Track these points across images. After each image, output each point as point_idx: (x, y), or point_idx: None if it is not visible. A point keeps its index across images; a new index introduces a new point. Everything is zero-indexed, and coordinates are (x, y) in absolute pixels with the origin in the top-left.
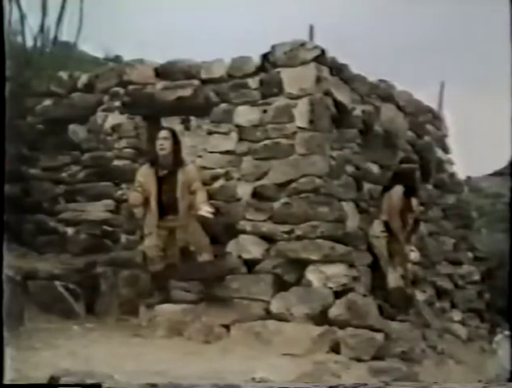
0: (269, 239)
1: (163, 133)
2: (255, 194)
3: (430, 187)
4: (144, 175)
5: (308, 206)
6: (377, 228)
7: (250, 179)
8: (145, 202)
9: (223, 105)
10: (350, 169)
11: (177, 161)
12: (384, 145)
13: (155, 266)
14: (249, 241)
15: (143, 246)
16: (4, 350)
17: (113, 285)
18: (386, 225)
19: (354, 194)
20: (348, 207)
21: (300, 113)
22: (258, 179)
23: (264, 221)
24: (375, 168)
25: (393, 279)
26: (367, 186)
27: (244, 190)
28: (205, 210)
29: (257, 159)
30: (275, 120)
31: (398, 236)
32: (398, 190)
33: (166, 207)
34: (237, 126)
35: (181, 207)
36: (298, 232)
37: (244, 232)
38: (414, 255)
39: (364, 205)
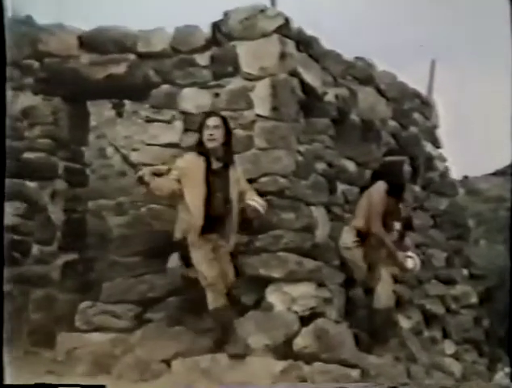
0: None
1: (213, 121)
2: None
3: (416, 188)
4: (190, 162)
5: (270, 212)
6: (348, 237)
7: None
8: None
9: (165, 87)
10: (320, 166)
11: (229, 156)
12: (362, 137)
13: None
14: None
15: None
16: (4, 351)
17: (21, 308)
18: (359, 232)
19: (325, 197)
20: (318, 213)
21: (260, 98)
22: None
23: None
24: (351, 166)
25: (383, 297)
26: (341, 187)
27: None
28: (259, 202)
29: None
30: (230, 106)
31: (385, 241)
32: (380, 186)
33: (214, 218)
34: (183, 113)
35: (234, 219)
36: (257, 243)
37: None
38: (413, 263)
39: (338, 211)
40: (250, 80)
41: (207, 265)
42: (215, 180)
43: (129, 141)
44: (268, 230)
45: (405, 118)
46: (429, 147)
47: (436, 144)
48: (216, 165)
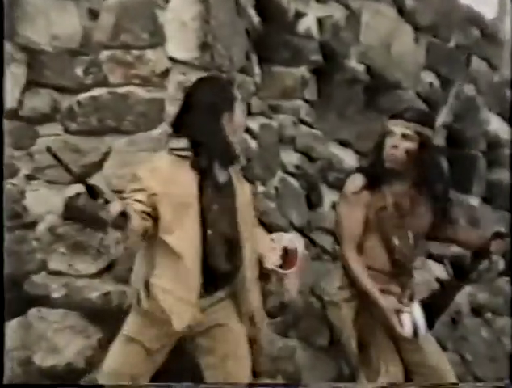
0: (103, 316)
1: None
2: (71, 211)
3: (472, 201)
4: (170, 176)
5: None
6: (334, 279)
7: (58, 180)
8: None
9: None
10: (291, 159)
11: (231, 153)
12: (369, 103)
13: None
14: (56, 324)
15: None
16: (4, 350)
17: None
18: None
19: (302, 215)
20: None
21: (178, 25)
22: (80, 178)
23: (97, 274)
24: (347, 157)
25: None
26: (330, 197)
27: (46, 201)
28: (275, 261)
29: (73, 133)
30: (118, 38)
31: (352, 273)
32: (354, 181)
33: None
34: (26, 49)
35: (251, 274)
36: None
37: (43, 301)
38: (408, 323)
39: (325, 241)
40: None
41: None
42: (213, 207)
43: None
44: None
45: (452, 66)
46: (495, 123)
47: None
48: (223, 176)
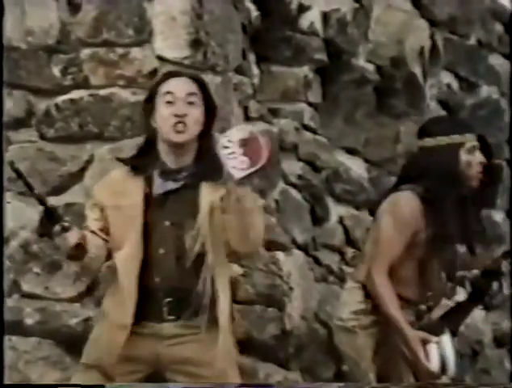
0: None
1: (181, 85)
2: (45, 224)
3: (496, 216)
4: (120, 189)
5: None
6: (347, 303)
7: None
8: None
9: None
10: (293, 168)
11: (207, 159)
12: (380, 106)
13: None
14: (28, 354)
15: None
16: (4, 350)
17: None
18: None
19: (304, 231)
20: (292, 264)
21: (168, 19)
22: (56, 191)
23: (76, 298)
24: (357, 166)
25: None
26: (337, 211)
27: (19, 215)
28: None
29: (50, 140)
30: (99, 33)
31: (379, 299)
32: (405, 199)
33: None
34: None
35: (206, 293)
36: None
37: (15, 328)
38: (435, 357)
39: (332, 261)
40: None
41: None
42: (164, 222)
43: None
44: None
45: (472, 66)
46: None
47: None
48: (162, 186)
